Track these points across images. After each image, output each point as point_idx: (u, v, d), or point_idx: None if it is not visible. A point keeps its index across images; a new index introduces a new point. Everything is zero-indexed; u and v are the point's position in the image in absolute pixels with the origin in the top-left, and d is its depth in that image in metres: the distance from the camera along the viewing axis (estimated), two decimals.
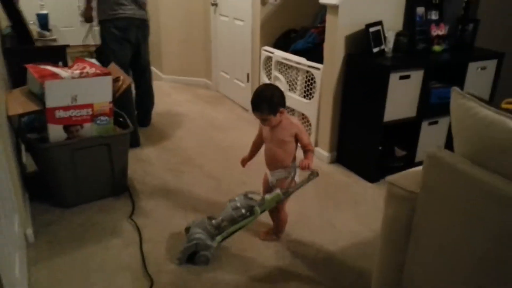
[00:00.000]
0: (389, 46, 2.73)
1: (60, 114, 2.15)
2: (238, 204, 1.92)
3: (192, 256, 1.94)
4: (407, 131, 2.81)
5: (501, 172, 1.09)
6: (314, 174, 1.96)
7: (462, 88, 2.82)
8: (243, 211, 1.92)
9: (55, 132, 2.18)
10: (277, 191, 1.93)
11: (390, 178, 1.37)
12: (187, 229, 2.02)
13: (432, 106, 2.79)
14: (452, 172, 1.17)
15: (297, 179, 2.02)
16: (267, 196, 1.92)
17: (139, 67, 3.28)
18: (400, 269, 1.42)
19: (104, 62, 2.79)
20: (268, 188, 2.07)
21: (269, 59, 3.47)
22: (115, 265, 1.94)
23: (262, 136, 2.03)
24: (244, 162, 2.12)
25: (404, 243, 1.37)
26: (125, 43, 3.04)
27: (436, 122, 2.81)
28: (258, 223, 2.12)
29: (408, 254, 1.37)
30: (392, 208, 1.38)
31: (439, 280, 1.28)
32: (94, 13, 3.11)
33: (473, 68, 2.80)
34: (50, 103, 2.11)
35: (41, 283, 1.82)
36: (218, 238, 1.94)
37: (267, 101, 1.85)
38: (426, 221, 1.28)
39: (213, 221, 1.96)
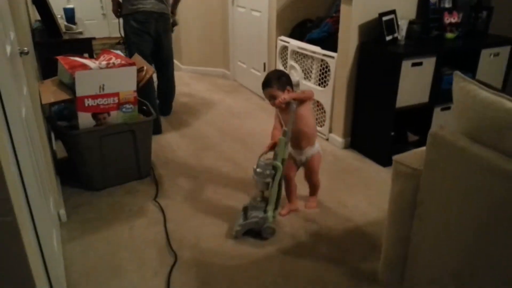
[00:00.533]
0: (402, 34, 2.79)
1: (89, 102, 2.30)
2: (261, 170, 2.03)
3: (249, 232, 2.12)
4: (419, 116, 2.88)
5: (499, 148, 1.18)
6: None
7: (474, 74, 2.87)
8: (268, 171, 2.02)
9: (85, 119, 2.33)
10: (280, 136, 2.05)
11: (397, 157, 1.47)
12: (245, 208, 2.16)
13: (444, 92, 2.85)
14: (453, 149, 1.26)
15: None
16: (276, 149, 2.05)
17: (161, 58, 3.41)
18: (406, 243, 1.52)
19: (129, 54, 2.94)
20: (291, 166, 2.20)
21: (285, 48, 3.57)
22: (141, 242, 2.09)
23: (281, 124, 2.15)
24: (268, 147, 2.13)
25: (409, 218, 1.47)
26: (144, 36, 3.18)
27: (448, 108, 2.87)
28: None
29: (413, 228, 1.47)
30: (398, 185, 1.48)
31: (442, 251, 1.38)
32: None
33: (485, 54, 2.84)
34: (80, 92, 2.26)
35: (75, 258, 1.98)
36: (269, 207, 2.08)
37: (275, 78, 2.09)
38: (429, 197, 1.37)
39: (257, 198, 2.12)
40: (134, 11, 3.10)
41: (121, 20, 3.25)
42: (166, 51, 3.42)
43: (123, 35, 3.27)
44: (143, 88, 2.64)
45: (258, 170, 2.03)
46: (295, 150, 2.19)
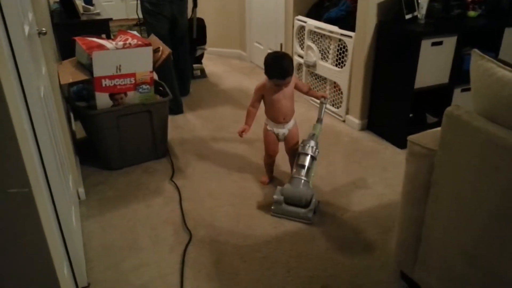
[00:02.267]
0: (422, 12, 2.72)
1: (106, 82, 2.33)
2: (307, 146, 2.20)
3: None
4: (439, 98, 2.82)
5: None
6: (326, 99, 2.40)
7: (497, 54, 2.79)
8: (312, 146, 2.21)
9: (102, 99, 2.37)
10: (317, 123, 2.33)
11: (411, 137, 1.45)
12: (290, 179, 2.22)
13: (465, 73, 2.75)
14: (468, 129, 1.24)
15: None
16: (314, 131, 2.29)
17: (175, 38, 3.42)
18: (420, 223, 1.51)
19: (146, 35, 2.96)
20: (275, 142, 2.32)
21: (302, 28, 3.52)
22: (158, 220, 2.14)
23: (266, 101, 2.25)
24: (246, 132, 2.27)
25: (424, 198, 1.45)
26: (160, 17, 3.19)
27: (469, 89, 2.78)
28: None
29: (427, 209, 1.46)
30: (412, 165, 1.46)
31: (456, 232, 1.37)
32: None
33: (509, 33, 2.75)
34: (97, 72, 2.29)
35: (93, 234, 2.04)
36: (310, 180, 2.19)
37: (292, 66, 2.17)
38: (444, 177, 1.36)
39: (302, 172, 2.16)
40: None
41: (139, 1, 3.26)
42: (180, 31, 3.41)
43: (141, 16, 3.29)
44: (162, 70, 2.66)
45: (307, 147, 2.20)
46: (278, 125, 2.28)
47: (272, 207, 2.14)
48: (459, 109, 1.28)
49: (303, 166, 2.16)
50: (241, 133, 2.25)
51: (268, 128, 2.31)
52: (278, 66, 2.11)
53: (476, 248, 1.29)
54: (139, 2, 3.24)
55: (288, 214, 2.12)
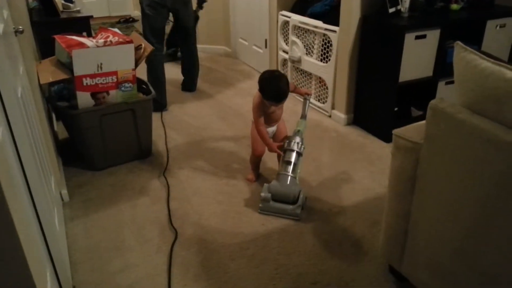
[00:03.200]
0: (405, 6, 2.72)
1: (87, 81, 2.29)
2: (293, 143, 2.18)
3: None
4: (424, 91, 2.83)
5: (500, 120, 1.15)
6: (309, 95, 2.40)
7: (480, 47, 2.81)
8: (298, 142, 2.19)
9: (84, 99, 2.32)
10: (301, 119, 2.32)
11: (396, 130, 1.45)
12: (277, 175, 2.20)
13: (449, 66, 2.77)
14: (453, 121, 1.23)
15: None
16: (299, 127, 2.27)
17: (181, 31, 3.43)
18: (406, 218, 1.51)
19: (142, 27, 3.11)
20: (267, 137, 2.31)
21: (286, 23, 3.50)
22: (143, 220, 2.11)
23: (266, 114, 2.23)
24: (278, 146, 2.25)
25: (410, 192, 1.45)
26: (159, 8, 3.15)
27: (453, 82, 2.80)
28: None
29: (414, 203, 1.46)
30: (398, 159, 1.46)
31: (443, 226, 1.37)
32: None
33: (491, 26, 2.77)
34: (77, 71, 2.24)
35: (78, 236, 2.00)
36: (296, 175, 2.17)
37: (288, 87, 2.12)
38: (430, 170, 1.36)
39: (289, 169, 2.14)
40: None
41: None
42: (185, 24, 3.39)
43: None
44: (153, 71, 2.62)
45: (292, 143, 2.18)
46: (268, 126, 2.28)
47: (260, 205, 2.13)
48: (443, 102, 1.27)
49: (289, 163, 2.14)
50: (275, 151, 2.23)
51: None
52: (275, 89, 2.09)
53: (462, 242, 1.29)
54: None
55: (276, 211, 2.11)
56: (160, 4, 3.13)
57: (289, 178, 2.11)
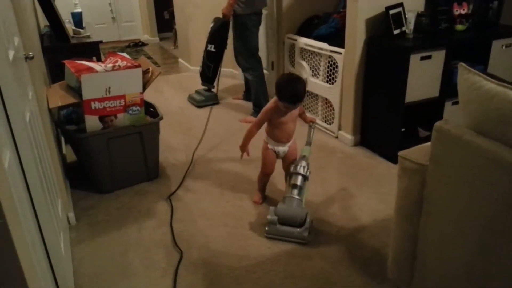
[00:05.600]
0: (410, 27, 2.74)
1: (95, 105, 2.32)
2: (299, 166, 2.18)
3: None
4: (430, 111, 2.82)
5: (505, 141, 1.14)
6: (314, 123, 2.41)
7: (486, 67, 2.80)
8: (304, 166, 2.19)
9: (92, 122, 2.35)
10: (306, 146, 2.31)
11: (402, 152, 1.44)
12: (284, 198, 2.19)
13: (455, 86, 2.77)
14: (458, 143, 1.22)
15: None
16: (304, 153, 2.27)
17: None
18: (414, 239, 1.48)
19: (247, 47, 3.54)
20: (275, 160, 2.32)
21: (292, 46, 3.54)
22: (150, 243, 2.10)
23: (272, 122, 2.22)
24: (246, 151, 2.30)
25: (417, 214, 1.43)
26: (257, 28, 3.55)
27: None
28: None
29: (421, 225, 1.44)
30: (404, 181, 1.45)
31: (451, 248, 1.34)
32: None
33: (497, 46, 2.77)
34: (86, 95, 2.28)
35: (84, 260, 1.99)
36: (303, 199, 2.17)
37: (305, 91, 2.14)
38: (436, 192, 1.34)
39: (295, 192, 2.14)
40: (256, 9, 3.42)
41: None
42: None
43: (236, 32, 3.52)
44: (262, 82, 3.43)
45: (298, 167, 2.19)
46: (279, 144, 2.27)
47: (266, 228, 2.11)
48: (448, 123, 1.27)
49: (296, 186, 2.13)
50: (244, 151, 2.29)
51: (269, 146, 2.28)
52: (291, 90, 2.08)
53: (474, 265, 1.26)
54: (238, 17, 3.43)
55: (283, 235, 2.08)
56: (259, 23, 3.55)
57: (296, 200, 2.10)
